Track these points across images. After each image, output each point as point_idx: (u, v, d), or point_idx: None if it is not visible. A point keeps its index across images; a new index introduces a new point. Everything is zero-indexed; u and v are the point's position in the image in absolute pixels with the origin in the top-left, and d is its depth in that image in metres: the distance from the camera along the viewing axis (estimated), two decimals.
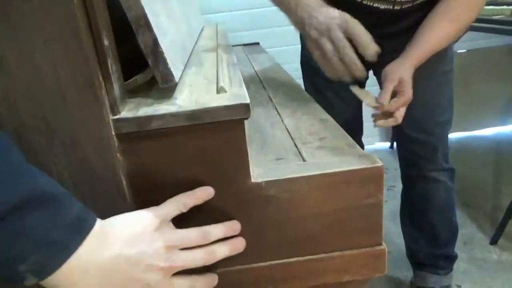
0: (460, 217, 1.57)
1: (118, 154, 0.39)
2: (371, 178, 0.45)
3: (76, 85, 0.36)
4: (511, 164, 1.95)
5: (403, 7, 0.81)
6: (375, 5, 0.82)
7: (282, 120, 0.65)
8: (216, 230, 0.41)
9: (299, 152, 0.51)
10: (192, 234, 0.39)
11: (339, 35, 0.59)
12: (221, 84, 0.45)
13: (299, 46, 1.15)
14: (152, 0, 0.44)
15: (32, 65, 0.35)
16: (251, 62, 1.18)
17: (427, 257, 1.15)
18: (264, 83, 0.88)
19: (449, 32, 0.79)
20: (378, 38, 0.61)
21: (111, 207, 0.39)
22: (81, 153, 0.38)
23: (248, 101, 0.40)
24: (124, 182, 0.40)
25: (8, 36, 0.34)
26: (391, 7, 0.81)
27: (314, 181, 0.44)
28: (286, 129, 0.61)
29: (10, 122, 0.36)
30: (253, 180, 0.43)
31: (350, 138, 0.55)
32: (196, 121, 0.40)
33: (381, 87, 0.77)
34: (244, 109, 0.40)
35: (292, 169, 0.45)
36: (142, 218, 0.37)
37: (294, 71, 1.09)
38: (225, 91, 0.44)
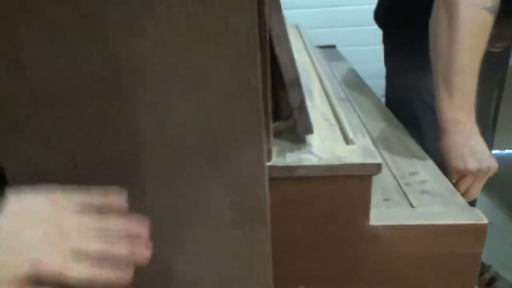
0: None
1: (267, 192, 0.48)
2: (475, 233, 0.50)
3: (248, 136, 0.44)
4: None
5: None
6: None
7: (380, 152, 0.71)
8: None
9: (405, 194, 0.58)
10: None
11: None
12: (349, 135, 0.52)
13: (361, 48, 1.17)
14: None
15: (215, 115, 0.43)
16: (333, 73, 1.23)
17: None
18: (354, 105, 0.93)
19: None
20: None
21: (255, 232, 0.48)
22: (238, 185, 0.47)
23: (380, 160, 0.47)
24: (268, 214, 0.49)
25: (192, 94, 0.42)
26: None
27: (423, 230, 0.51)
28: (387, 164, 0.67)
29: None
30: (370, 223, 0.51)
31: (449, 183, 0.61)
32: (333, 173, 0.47)
33: None
34: (376, 168, 0.47)
35: (403, 215, 0.52)
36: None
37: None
38: (354, 143, 0.51)
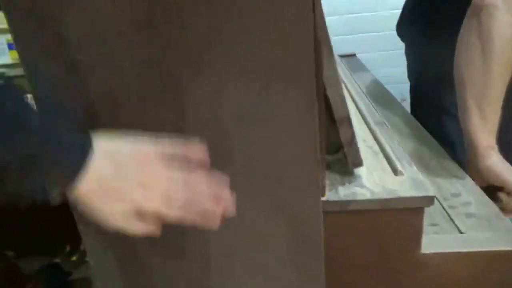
0: None
1: (321, 226, 0.50)
2: None
3: (306, 172, 0.46)
4: None
5: None
6: None
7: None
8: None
9: (451, 219, 0.59)
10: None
11: None
12: (397, 166, 0.54)
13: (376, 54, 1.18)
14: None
15: (278, 154, 0.45)
16: (358, 85, 1.24)
17: None
18: (387, 123, 0.94)
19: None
20: None
21: (309, 266, 0.50)
22: (294, 221, 0.49)
23: (432, 193, 0.48)
24: (322, 248, 0.51)
25: (260, 132, 0.44)
26: None
27: (474, 257, 0.52)
28: None
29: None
30: (421, 251, 0.52)
31: (493, 205, 0.62)
32: (386, 206, 0.49)
33: None
34: (430, 201, 0.48)
35: (453, 243, 0.53)
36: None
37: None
38: (402, 174, 0.53)
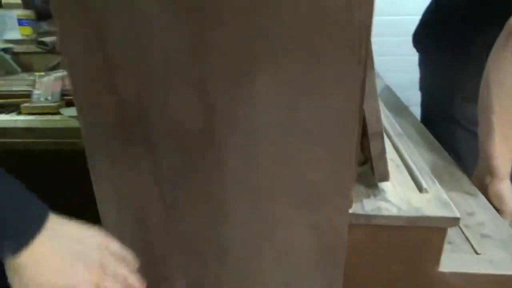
0: None
1: (346, 238, 0.50)
2: None
3: (339, 186, 0.46)
4: None
5: None
6: None
7: None
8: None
9: (467, 238, 0.60)
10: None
11: None
12: (422, 183, 0.54)
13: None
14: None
15: (312, 169, 0.45)
16: None
17: None
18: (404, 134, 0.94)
19: None
20: None
21: (330, 273, 0.51)
22: (322, 231, 0.49)
23: (458, 214, 0.49)
24: (343, 253, 0.51)
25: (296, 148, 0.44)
26: None
27: (489, 278, 0.52)
28: None
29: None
30: (439, 269, 0.53)
31: (507, 225, 0.62)
32: (412, 224, 0.49)
33: None
34: (455, 221, 0.48)
35: (469, 263, 0.54)
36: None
37: None
38: (427, 192, 0.53)
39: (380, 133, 0.50)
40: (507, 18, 0.65)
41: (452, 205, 0.50)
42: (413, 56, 1.19)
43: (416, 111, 1.23)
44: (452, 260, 0.54)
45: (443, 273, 0.53)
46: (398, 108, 1.10)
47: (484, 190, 0.72)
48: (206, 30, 0.39)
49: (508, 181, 0.71)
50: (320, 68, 0.40)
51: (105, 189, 0.48)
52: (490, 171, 0.71)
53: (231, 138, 0.44)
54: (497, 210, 0.69)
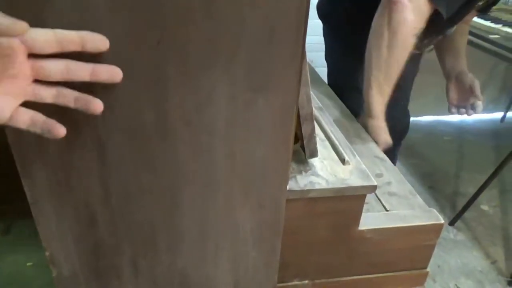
0: (425, 198, 1.89)
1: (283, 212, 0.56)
2: (434, 229, 0.65)
3: (278, 167, 0.50)
4: (471, 152, 2.29)
5: None
6: None
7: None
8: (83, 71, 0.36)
9: (378, 198, 0.70)
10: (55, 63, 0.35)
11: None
12: (344, 156, 0.61)
13: None
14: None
15: (256, 148, 0.49)
16: None
17: None
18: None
19: None
20: None
21: (269, 245, 0.56)
22: (262, 209, 0.54)
23: (375, 183, 0.57)
24: (282, 227, 0.57)
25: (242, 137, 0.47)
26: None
27: (398, 230, 0.64)
28: None
29: None
30: (359, 228, 0.62)
31: (408, 184, 0.75)
32: (339, 194, 0.56)
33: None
34: (373, 188, 0.57)
35: (382, 219, 0.64)
36: None
37: None
38: (349, 164, 0.61)
39: (311, 115, 0.55)
40: None
41: (370, 174, 0.59)
42: (313, 20, 1.25)
43: (321, 72, 1.32)
44: (368, 219, 0.64)
45: (362, 231, 0.62)
46: (312, 77, 1.17)
47: (366, 127, 0.92)
48: (160, 24, 0.38)
49: (381, 120, 0.91)
50: (268, 63, 0.42)
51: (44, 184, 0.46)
52: (368, 113, 0.90)
53: (184, 132, 0.44)
54: (376, 142, 0.89)
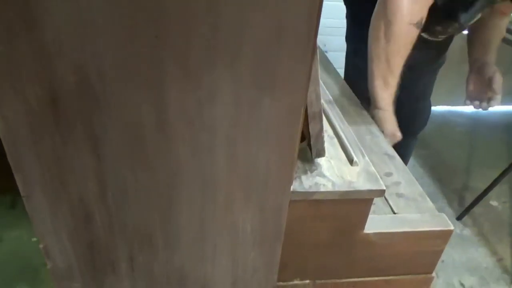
0: (433, 191, 1.86)
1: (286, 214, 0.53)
2: (442, 235, 0.62)
3: (282, 169, 0.48)
4: (483, 145, 2.24)
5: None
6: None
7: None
8: None
9: (386, 199, 0.67)
10: None
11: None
12: (352, 157, 0.59)
13: None
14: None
15: (259, 148, 0.46)
16: None
17: None
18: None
19: None
20: None
21: (270, 246, 0.55)
22: (263, 212, 0.52)
23: (384, 187, 0.54)
24: (283, 227, 0.55)
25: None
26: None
27: (404, 235, 0.61)
28: None
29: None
30: (364, 231, 0.60)
31: (418, 186, 0.72)
32: (345, 197, 0.54)
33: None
34: (381, 193, 0.54)
35: (388, 223, 0.62)
36: None
37: None
38: (357, 165, 0.58)
39: (319, 114, 0.52)
40: None
41: (378, 177, 0.56)
42: (327, 1, 1.20)
43: (332, 56, 1.28)
44: (374, 222, 0.61)
45: (367, 234, 0.60)
46: (325, 66, 1.13)
47: (373, 119, 0.91)
48: (159, 17, 0.35)
49: (388, 111, 0.90)
50: (275, 62, 0.39)
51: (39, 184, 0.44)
52: (374, 105, 0.90)
53: (184, 130, 0.42)
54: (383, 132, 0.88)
